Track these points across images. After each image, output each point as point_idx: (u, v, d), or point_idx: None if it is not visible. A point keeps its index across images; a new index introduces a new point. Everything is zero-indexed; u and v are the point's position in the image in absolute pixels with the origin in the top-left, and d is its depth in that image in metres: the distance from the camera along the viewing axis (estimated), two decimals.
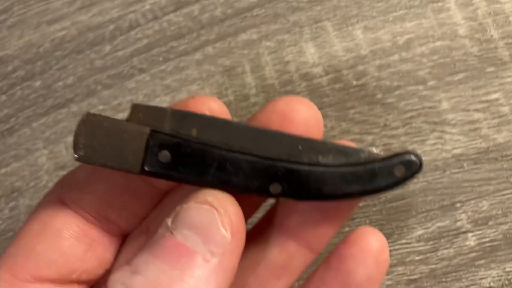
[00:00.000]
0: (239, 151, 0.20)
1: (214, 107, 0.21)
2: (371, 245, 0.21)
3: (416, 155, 0.20)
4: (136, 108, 0.20)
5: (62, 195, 0.22)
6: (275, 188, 0.20)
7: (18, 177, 0.33)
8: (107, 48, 0.34)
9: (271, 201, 0.24)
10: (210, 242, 0.18)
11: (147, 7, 0.34)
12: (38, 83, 0.34)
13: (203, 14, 0.33)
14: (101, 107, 0.33)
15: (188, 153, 0.19)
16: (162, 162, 0.19)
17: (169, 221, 0.18)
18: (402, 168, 0.20)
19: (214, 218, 0.18)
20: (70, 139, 0.33)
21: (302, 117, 0.21)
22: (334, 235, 0.23)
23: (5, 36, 0.36)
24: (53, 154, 0.33)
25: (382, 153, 0.20)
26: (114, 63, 0.33)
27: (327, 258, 0.22)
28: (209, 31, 0.32)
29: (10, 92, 0.35)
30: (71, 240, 0.22)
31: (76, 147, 0.19)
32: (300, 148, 0.20)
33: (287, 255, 0.22)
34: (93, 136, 0.19)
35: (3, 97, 0.35)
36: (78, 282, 0.22)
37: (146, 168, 0.19)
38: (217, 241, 0.18)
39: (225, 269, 0.18)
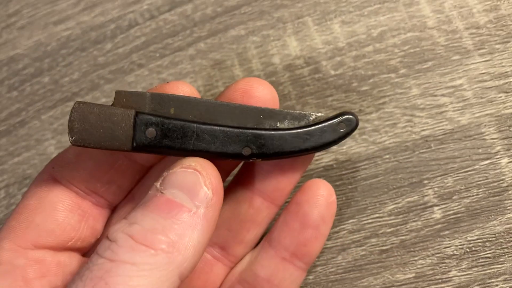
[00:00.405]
0: (213, 124, 0.25)
1: (185, 90, 0.26)
2: (321, 191, 0.27)
3: (353, 114, 0.26)
4: (119, 94, 0.25)
5: (54, 174, 0.26)
6: (246, 150, 0.25)
7: (29, 165, 0.38)
8: (109, 45, 0.39)
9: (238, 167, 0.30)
10: (195, 198, 0.22)
11: (145, 7, 0.39)
12: (46, 79, 0.40)
13: (195, 13, 0.38)
14: (104, 99, 0.38)
15: (170, 128, 0.24)
16: (149, 137, 0.24)
17: (158, 184, 0.23)
18: (343, 125, 0.26)
19: (198, 179, 0.22)
20: None
21: (260, 93, 0.26)
22: (293, 189, 0.28)
23: (15, 36, 0.41)
24: (61, 143, 0.38)
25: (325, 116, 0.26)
26: (115, 59, 0.39)
27: (287, 205, 0.28)
28: (201, 28, 0.37)
29: (21, 88, 0.40)
30: (66, 212, 0.26)
31: (71, 132, 0.23)
32: (262, 117, 0.26)
33: (254, 209, 0.28)
34: (85, 120, 0.23)
35: (15, 93, 0.40)
36: (73, 249, 0.26)
37: (136, 145, 0.24)
38: (201, 197, 0.22)
39: (208, 220, 0.22)
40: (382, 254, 0.32)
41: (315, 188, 0.28)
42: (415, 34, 0.34)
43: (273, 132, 0.25)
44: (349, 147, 0.33)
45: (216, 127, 0.24)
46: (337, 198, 0.33)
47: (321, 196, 0.27)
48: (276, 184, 0.27)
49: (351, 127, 0.26)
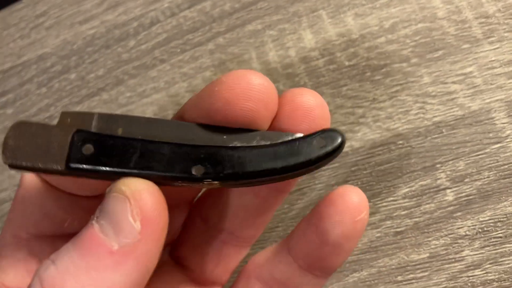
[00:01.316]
0: (160, 141, 0.20)
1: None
2: (349, 204, 0.22)
3: (338, 131, 0.21)
4: (64, 115, 0.22)
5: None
6: (198, 170, 0.20)
7: None
8: (132, 42, 0.41)
9: None
10: (119, 233, 0.18)
11: (166, 5, 0.40)
12: (73, 76, 0.41)
13: (214, 9, 0.39)
14: (128, 94, 0.40)
15: (110, 144, 0.20)
16: (85, 154, 0.20)
17: (97, 211, 0.19)
18: (323, 142, 0.20)
19: (125, 208, 0.19)
20: None
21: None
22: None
23: (43, 36, 0.43)
24: None
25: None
26: (138, 55, 0.40)
27: (309, 214, 0.24)
28: (220, 24, 0.39)
29: (49, 84, 0.42)
30: (53, 197, 0.24)
31: (4, 151, 0.20)
32: (225, 137, 0.21)
33: (260, 199, 0.25)
34: (21, 139, 0.20)
35: (44, 89, 0.42)
36: (72, 233, 0.24)
37: (70, 164, 0.20)
38: (125, 231, 0.18)
39: (137, 257, 0.18)
40: (397, 236, 0.33)
41: (343, 199, 0.22)
42: (425, 25, 0.35)
43: (231, 150, 0.20)
44: (364, 134, 0.34)
45: (164, 144, 0.20)
46: (352, 183, 0.34)
47: (348, 211, 0.22)
48: None
49: (334, 145, 0.20)
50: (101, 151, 0.20)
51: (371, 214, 0.33)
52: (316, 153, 0.20)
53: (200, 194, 0.29)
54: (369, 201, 0.34)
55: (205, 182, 0.20)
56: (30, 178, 0.24)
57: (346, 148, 0.34)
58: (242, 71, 0.21)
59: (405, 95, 0.34)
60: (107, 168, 0.20)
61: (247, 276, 0.27)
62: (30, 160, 0.20)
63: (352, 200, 0.23)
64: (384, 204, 0.33)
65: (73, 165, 0.20)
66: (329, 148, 0.21)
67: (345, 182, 0.34)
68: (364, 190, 0.33)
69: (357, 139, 0.34)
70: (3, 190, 0.41)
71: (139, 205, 0.19)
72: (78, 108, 0.41)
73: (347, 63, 0.36)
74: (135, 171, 0.20)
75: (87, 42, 0.42)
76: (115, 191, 0.19)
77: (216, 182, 0.20)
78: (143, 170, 0.20)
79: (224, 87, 0.21)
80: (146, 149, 0.20)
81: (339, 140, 0.21)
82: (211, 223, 0.27)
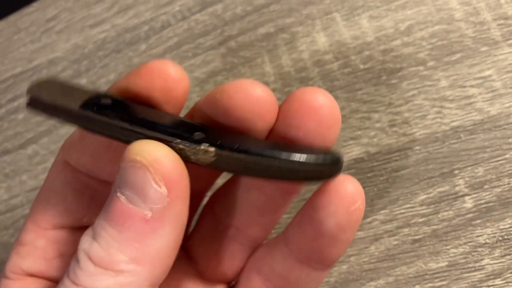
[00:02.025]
0: (172, 114, 0.22)
1: (172, 71, 0.21)
2: (343, 194, 0.21)
3: (338, 155, 0.20)
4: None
5: (64, 156, 0.25)
6: (199, 135, 0.20)
7: None
8: (143, 46, 0.40)
9: None
10: (147, 200, 0.19)
11: (177, 8, 0.40)
12: (84, 80, 0.41)
13: (225, 12, 0.38)
14: None
15: (124, 106, 0.21)
16: (100, 103, 0.21)
17: (117, 182, 0.19)
18: (323, 159, 0.20)
19: (146, 176, 0.19)
20: None
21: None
22: None
23: (54, 40, 0.42)
24: None
25: None
26: (149, 59, 0.39)
27: (304, 205, 0.23)
28: (232, 27, 0.38)
29: None
30: (75, 191, 0.25)
31: (29, 91, 0.22)
32: None
33: (266, 196, 0.25)
34: (47, 85, 0.22)
35: None
36: (89, 226, 0.26)
37: (84, 106, 0.21)
38: (153, 198, 0.19)
39: (169, 220, 0.19)
40: (415, 244, 0.32)
41: (335, 191, 0.21)
42: (442, 27, 0.34)
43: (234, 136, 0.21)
44: (380, 139, 0.34)
45: (175, 116, 0.22)
46: (369, 190, 0.33)
47: (341, 202, 0.21)
48: None
49: (334, 162, 0.20)
50: (115, 108, 0.21)
51: (388, 221, 0.32)
52: (313, 159, 0.20)
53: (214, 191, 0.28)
54: (386, 208, 0.33)
55: (202, 147, 0.20)
56: (56, 172, 0.25)
57: (361, 154, 0.34)
58: (244, 81, 0.21)
59: (422, 99, 0.33)
60: (115, 121, 0.20)
61: (248, 271, 0.27)
62: (51, 96, 0.21)
63: (346, 190, 0.21)
64: (401, 211, 0.32)
65: (86, 107, 0.21)
66: (328, 161, 0.20)
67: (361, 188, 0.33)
68: (381, 197, 0.32)
69: (373, 144, 0.34)
70: (14, 196, 0.40)
71: (160, 171, 0.19)
72: None
73: (362, 67, 0.35)
74: (140, 129, 0.20)
75: (98, 46, 0.41)
76: (131, 160, 0.19)
77: (212, 149, 0.20)
78: (149, 129, 0.20)
79: (224, 96, 0.21)
80: (157, 116, 0.21)
81: (338, 161, 0.20)
82: (221, 218, 0.27)
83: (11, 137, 0.42)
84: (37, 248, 0.24)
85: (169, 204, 0.19)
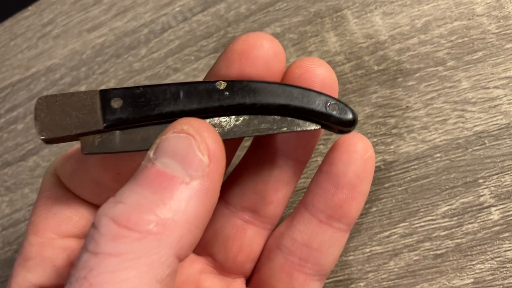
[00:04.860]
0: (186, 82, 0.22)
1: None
2: (355, 146, 0.24)
3: (350, 108, 0.23)
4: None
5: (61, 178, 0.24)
6: (220, 84, 0.22)
7: None
8: (143, 51, 0.37)
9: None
10: (188, 167, 0.19)
11: (177, 9, 0.37)
12: (83, 88, 0.38)
13: (229, 12, 0.35)
14: None
15: (139, 93, 0.21)
16: (116, 108, 0.21)
17: (150, 153, 0.19)
18: (336, 107, 0.22)
19: (191, 144, 0.19)
20: None
21: (262, 52, 0.23)
22: (316, 143, 0.26)
23: (51, 46, 0.40)
24: None
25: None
26: (150, 64, 0.37)
27: (320, 164, 0.25)
28: (236, 28, 0.35)
29: None
30: (74, 208, 0.24)
31: (39, 129, 0.20)
32: None
33: (277, 169, 0.26)
34: (51, 113, 0.20)
35: None
36: None
37: (107, 120, 0.20)
38: (195, 165, 0.19)
39: (206, 191, 0.19)
40: (437, 259, 0.29)
41: (348, 144, 0.24)
42: (463, 23, 0.31)
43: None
44: (397, 146, 0.31)
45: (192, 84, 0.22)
46: (386, 201, 0.30)
47: (355, 152, 0.24)
48: (297, 140, 0.25)
49: (345, 117, 0.23)
50: (132, 102, 0.21)
51: (408, 235, 0.30)
52: (327, 111, 0.22)
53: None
54: (405, 221, 0.30)
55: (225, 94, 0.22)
56: (50, 182, 0.24)
57: (378, 163, 0.31)
58: (253, 35, 0.24)
59: (441, 103, 0.30)
60: (144, 116, 0.21)
61: (268, 251, 0.27)
62: (66, 129, 0.20)
63: (357, 142, 0.24)
64: (422, 224, 0.30)
65: (110, 119, 0.20)
66: (341, 115, 0.22)
67: (378, 199, 0.31)
68: (400, 209, 0.29)
69: (390, 152, 0.31)
70: (17, 211, 0.38)
71: (205, 141, 0.19)
72: None
73: (376, 68, 0.32)
74: (185, 108, 0.21)
75: (97, 51, 0.38)
76: (176, 130, 0.19)
77: (227, 92, 0.21)
78: (186, 106, 0.21)
79: (241, 56, 0.23)
80: (177, 89, 0.21)
81: (350, 116, 0.23)
82: (233, 203, 0.27)
83: (11, 149, 0.39)
84: (45, 259, 0.23)
85: (207, 175, 0.19)
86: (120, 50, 0.38)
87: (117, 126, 0.21)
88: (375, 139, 0.31)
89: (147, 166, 0.19)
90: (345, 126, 0.23)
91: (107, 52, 0.38)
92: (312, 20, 0.34)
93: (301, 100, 0.22)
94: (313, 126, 0.23)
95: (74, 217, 0.24)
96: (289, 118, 0.22)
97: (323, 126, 0.23)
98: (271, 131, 0.22)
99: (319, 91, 0.23)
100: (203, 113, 0.21)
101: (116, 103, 0.21)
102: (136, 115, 0.21)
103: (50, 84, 0.39)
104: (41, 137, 0.20)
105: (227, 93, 0.21)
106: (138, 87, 0.21)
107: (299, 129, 0.22)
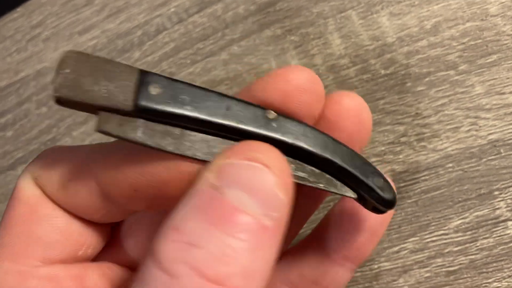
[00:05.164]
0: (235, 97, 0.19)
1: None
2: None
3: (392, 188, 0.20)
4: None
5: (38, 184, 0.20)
6: (270, 114, 0.19)
7: None
8: (137, 54, 0.35)
9: None
10: (266, 206, 0.16)
11: (172, 9, 0.35)
12: None
13: (226, 13, 0.34)
14: None
15: (181, 89, 0.18)
16: (153, 94, 0.17)
17: (211, 176, 0.17)
18: (380, 181, 0.20)
19: (269, 178, 0.17)
20: None
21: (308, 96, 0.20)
22: None
23: (41, 49, 0.38)
24: None
25: None
26: (144, 68, 0.35)
27: (338, 203, 0.24)
28: (234, 30, 0.33)
29: (50, 103, 0.37)
30: (66, 217, 0.20)
31: (58, 85, 0.16)
32: None
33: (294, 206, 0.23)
34: (78, 72, 0.17)
35: (44, 109, 0.37)
36: (85, 258, 0.22)
37: (140, 103, 0.17)
38: (274, 204, 0.16)
39: (280, 232, 0.17)
40: (450, 276, 0.28)
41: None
42: (475, 24, 0.29)
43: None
44: (407, 155, 0.29)
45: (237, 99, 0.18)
46: (395, 215, 0.29)
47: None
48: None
49: (387, 196, 0.20)
50: (171, 94, 0.17)
51: (419, 250, 0.28)
52: (370, 183, 0.19)
53: None
54: (415, 235, 0.28)
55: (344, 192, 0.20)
56: (28, 195, 0.20)
57: (386, 173, 0.29)
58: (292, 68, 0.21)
59: (453, 109, 0.28)
60: (187, 112, 0.17)
61: (271, 285, 0.24)
62: (89, 95, 0.16)
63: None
64: (433, 238, 0.28)
65: (143, 104, 0.17)
66: (383, 193, 0.20)
67: None
68: (410, 222, 0.28)
69: (399, 162, 0.29)
70: None
71: (284, 176, 0.17)
72: (82, 130, 0.36)
73: (383, 72, 0.30)
74: (228, 122, 0.18)
75: None
76: (248, 157, 0.17)
77: (275, 124, 0.19)
78: (228, 122, 0.18)
79: (279, 85, 0.20)
80: (224, 101, 0.18)
81: (391, 196, 0.20)
82: None
83: (0, 156, 0.37)
84: None
85: (283, 214, 0.17)
86: (112, 53, 0.36)
87: (146, 114, 0.17)
88: (383, 148, 0.29)
89: (212, 196, 0.16)
90: (384, 205, 0.20)
91: (99, 55, 0.36)
92: (314, 21, 0.32)
93: (348, 161, 0.19)
94: (350, 194, 0.20)
95: (63, 240, 0.20)
96: (327, 176, 0.20)
97: (359, 196, 0.20)
98: (306, 182, 0.19)
99: (367, 161, 0.20)
100: (243, 136, 0.19)
101: (154, 90, 0.17)
102: (173, 110, 0.18)
103: (40, 89, 0.37)
104: (56, 95, 0.16)
105: (275, 125, 0.19)
106: (183, 82, 0.18)
107: (335, 191, 0.20)
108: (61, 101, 0.17)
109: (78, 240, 0.21)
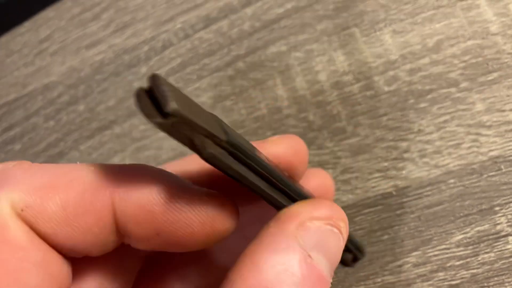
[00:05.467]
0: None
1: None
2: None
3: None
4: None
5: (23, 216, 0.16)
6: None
7: None
8: (144, 69, 0.36)
9: None
10: (333, 269, 0.17)
11: (178, 25, 0.35)
12: (82, 107, 0.37)
13: (232, 29, 0.34)
14: (142, 127, 0.35)
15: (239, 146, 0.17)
16: (230, 133, 0.17)
17: (292, 228, 0.17)
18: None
19: (341, 245, 0.18)
20: (115, 159, 0.35)
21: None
22: None
23: (48, 63, 0.38)
24: None
25: None
26: None
27: None
28: (239, 46, 0.34)
29: (58, 117, 0.37)
30: (59, 259, 0.17)
31: (171, 97, 0.14)
32: None
33: None
34: (177, 95, 0.14)
35: (52, 123, 0.37)
36: None
37: (230, 139, 0.16)
38: (335, 266, 0.18)
39: None
40: None
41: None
42: (476, 42, 0.29)
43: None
44: (409, 171, 0.29)
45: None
46: (398, 228, 0.29)
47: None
48: None
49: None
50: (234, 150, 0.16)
51: (421, 264, 0.29)
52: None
53: None
54: (418, 250, 0.29)
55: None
56: (14, 232, 0.15)
57: (389, 189, 0.30)
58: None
59: (455, 126, 0.29)
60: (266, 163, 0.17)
61: None
62: (197, 117, 0.15)
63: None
64: (436, 252, 0.28)
65: (233, 140, 0.16)
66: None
67: (390, 227, 0.29)
68: (412, 237, 0.28)
69: (402, 177, 0.29)
70: None
71: (345, 239, 0.18)
72: (89, 144, 0.36)
73: (386, 89, 0.30)
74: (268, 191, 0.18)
75: (95, 69, 0.37)
76: (332, 223, 0.18)
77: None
78: (271, 193, 0.18)
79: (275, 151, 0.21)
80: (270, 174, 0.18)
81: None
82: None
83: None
84: None
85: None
86: (119, 68, 0.36)
87: (234, 149, 0.16)
88: (386, 164, 0.30)
89: (301, 261, 0.16)
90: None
91: (106, 70, 0.37)
92: (319, 38, 0.32)
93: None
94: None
95: (53, 285, 0.16)
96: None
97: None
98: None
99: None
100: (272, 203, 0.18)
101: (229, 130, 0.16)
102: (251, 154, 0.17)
103: (47, 103, 0.38)
104: (172, 108, 0.13)
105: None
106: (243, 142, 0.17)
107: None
108: (173, 114, 0.14)
109: (64, 282, 0.17)
